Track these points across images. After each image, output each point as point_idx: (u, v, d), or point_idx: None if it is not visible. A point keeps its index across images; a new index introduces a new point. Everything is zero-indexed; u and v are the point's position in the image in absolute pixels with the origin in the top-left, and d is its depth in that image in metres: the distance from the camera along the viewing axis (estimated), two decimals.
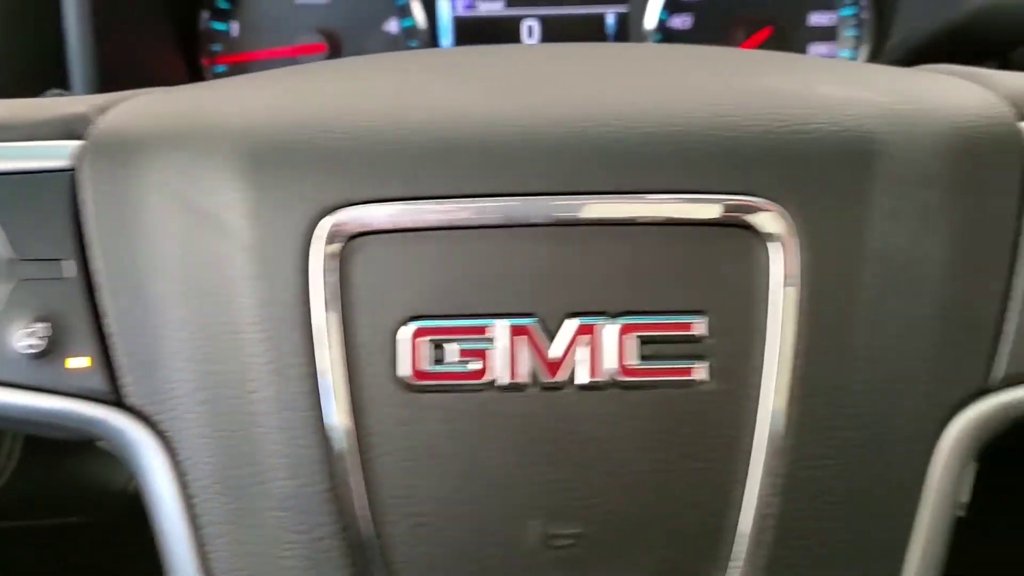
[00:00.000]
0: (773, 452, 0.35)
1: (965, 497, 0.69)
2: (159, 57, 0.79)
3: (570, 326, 0.35)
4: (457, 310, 0.35)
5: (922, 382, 0.36)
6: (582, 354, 0.35)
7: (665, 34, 0.83)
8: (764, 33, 0.82)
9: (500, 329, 0.35)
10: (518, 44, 0.81)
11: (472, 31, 0.83)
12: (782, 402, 0.35)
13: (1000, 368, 0.37)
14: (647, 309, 0.35)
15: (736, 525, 0.35)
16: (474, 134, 0.35)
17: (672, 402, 0.35)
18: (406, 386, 0.35)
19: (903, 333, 0.36)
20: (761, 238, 0.35)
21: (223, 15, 0.82)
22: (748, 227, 0.35)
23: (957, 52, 0.60)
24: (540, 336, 0.35)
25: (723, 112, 0.36)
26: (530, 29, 0.83)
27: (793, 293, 0.35)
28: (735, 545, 0.35)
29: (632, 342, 0.35)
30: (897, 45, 0.63)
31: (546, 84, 0.37)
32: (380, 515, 0.35)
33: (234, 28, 0.82)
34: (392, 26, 0.83)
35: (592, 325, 0.35)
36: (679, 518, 0.35)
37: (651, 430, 0.35)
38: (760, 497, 0.35)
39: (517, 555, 0.35)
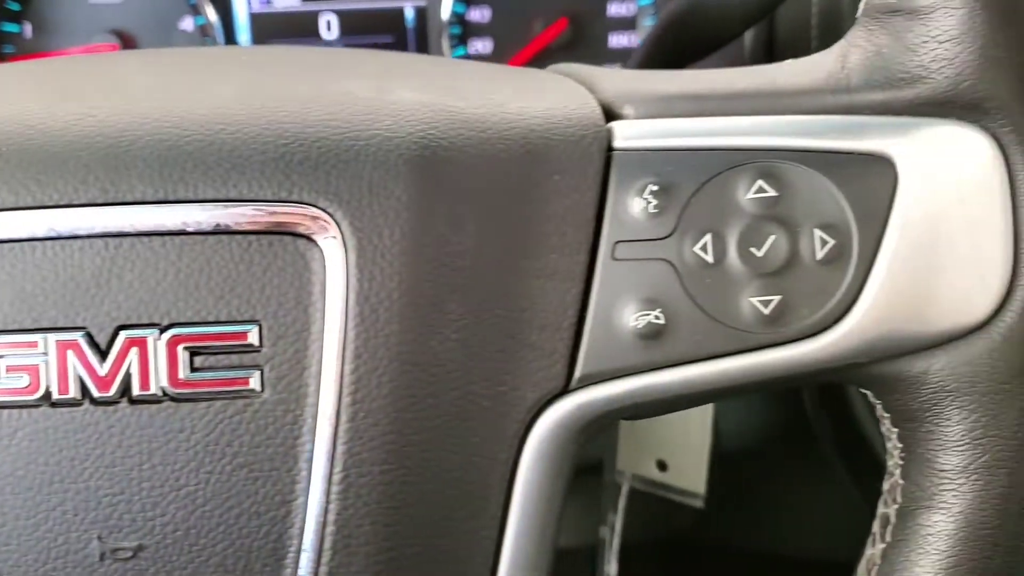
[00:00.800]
0: (330, 460, 0.35)
1: (702, 489, 0.69)
2: None
3: (120, 339, 0.34)
4: (5, 325, 0.34)
5: (496, 384, 0.36)
6: (133, 368, 0.34)
7: (463, 27, 0.83)
8: (561, 24, 0.82)
9: (49, 344, 0.34)
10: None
11: (270, 27, 0.83)
12: (335, 409, 0.35)
13: (579, 367, 0.36)
14: (198, 320, 0.34)
15: (301, 535, 0.35)
16: (20, 144, 0.34)
17: (227, 414, 0.35)
18: None
19: (471, 337, 0.36)
20: (314, 246, 0.35)
21: (13, 16, 0.81)
22: (301, 235, 0.35)
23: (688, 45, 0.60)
24: (89, 350, 0.34)
25: (280, 119, 0.35)
26: (328, 24, 0.83)
27: (345, 301, 0.34)
28: (301, 555, 0.35)
29: (183, 354, 0.34)
30: (649, 39, 0.63)
31: (115, 92, 0.37)
32: None
33: (26, 29, 0.81)
34: (187, 24, 0.82)
35: (143, 338, 0.34)
36: (241, 530, 0.35)
37: (206, 442, 0.35)
38: (319, 506, 0.35)
39: (80, 569, 0.35)
